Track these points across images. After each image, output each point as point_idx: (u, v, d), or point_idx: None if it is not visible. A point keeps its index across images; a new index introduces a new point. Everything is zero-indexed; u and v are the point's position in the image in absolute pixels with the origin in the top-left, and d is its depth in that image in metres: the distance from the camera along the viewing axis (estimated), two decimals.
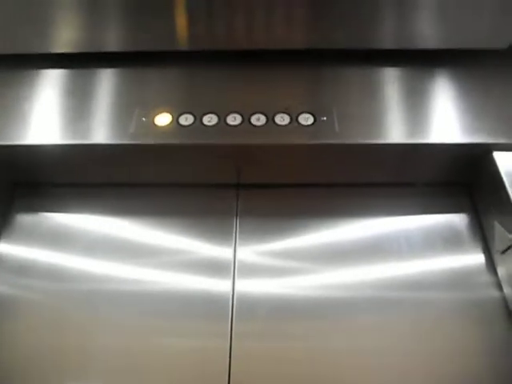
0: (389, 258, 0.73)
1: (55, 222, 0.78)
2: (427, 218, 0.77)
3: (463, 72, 0.76)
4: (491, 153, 0.70)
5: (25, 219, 0.78)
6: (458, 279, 0.71)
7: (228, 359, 0.65)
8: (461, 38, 0.73)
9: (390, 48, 0.74)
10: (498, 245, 0.70)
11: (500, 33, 0.71)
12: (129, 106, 0.74)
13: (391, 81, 0.75)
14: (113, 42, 0.75)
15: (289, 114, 0.72)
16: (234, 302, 0.69)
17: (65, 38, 0.75)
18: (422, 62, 0.76)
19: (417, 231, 0.75)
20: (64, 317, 0.70)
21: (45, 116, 0.74)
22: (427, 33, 0.72)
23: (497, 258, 0.71)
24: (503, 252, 0.69)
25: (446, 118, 0.72)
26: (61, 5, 0.70)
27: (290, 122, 0.71)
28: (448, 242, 0.74)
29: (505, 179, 0.68)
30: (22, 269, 0.74)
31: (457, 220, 0.76)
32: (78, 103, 0.75)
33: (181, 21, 0.72)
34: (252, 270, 0.72)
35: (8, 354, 0.67)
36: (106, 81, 0.77)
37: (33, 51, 0.77)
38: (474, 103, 0.73)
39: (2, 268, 0.74)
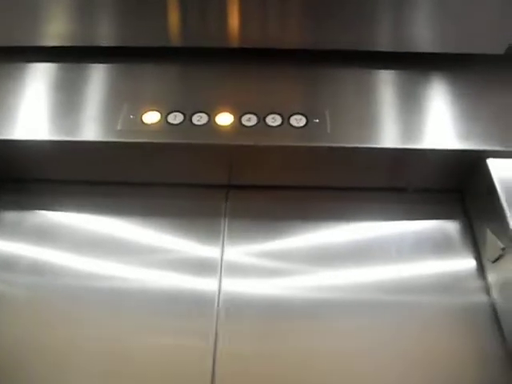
0: (378, 262, 0.72)
1: (41, 219, 0.76)
2: (418, 224, 0.76)
3: (459, 76, 0.74)
4: (485, 159, 0.69)
5: (10, 215, 0.77)
6: (447, 284, 0.70)
7: (212, 359, 0.64)
8: (457, 42, 0.72)
9: (386, 50, 0.73)
10: (489, 253, 0.69)
11: (497, 38, 0.70)
12: (117, 103, 0.72)
13: (386, 84, 0.74)
14: (103, 36, 0.74)
15: (281, 115, 0.71)
16: (220, 302, 0.68)
17: (54, 31, 0.74)
18: (417, 65, 0.75)
19: (407, 236, 0.74)
20: (47, 313, 0.69)
21: (31, 111, 0.72)
22: (423, 36, 0.71)
23: (487, 265, 0.70)
24: (494, 261, 0.68)
25: (439, 124, 0.71)
26: None
27: (281, 123, 0.70)
28: (438, 247, 0.73)
29: (497, 186, 0.67)
30: (7, 264, 0.72)
31: (448, 226, 0.75)
32: (65, 98, 0.73)
33: (174, 16, 0.70)
34: (239, 270, 0.71)
35: None
36: (94, 76, 0.75)
37: (20, 44, 0.75)
38: (469, 108, 0.72)
39: None
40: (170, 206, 0.77)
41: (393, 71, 0.75)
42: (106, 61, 0.76)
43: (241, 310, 0.68)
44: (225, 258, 0.72)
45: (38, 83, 0.75)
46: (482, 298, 0.69)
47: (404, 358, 0.65)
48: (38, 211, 0.77)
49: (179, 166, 0.75)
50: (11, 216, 0.77)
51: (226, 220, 0.75)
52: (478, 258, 0.72)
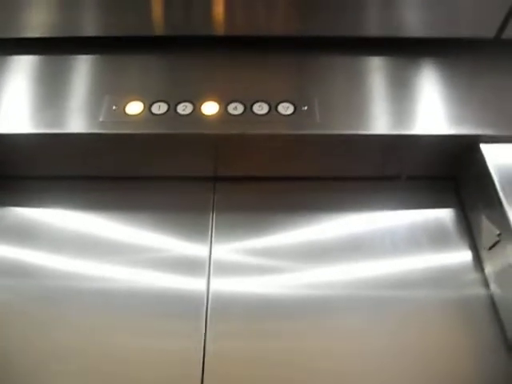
0: (372, 255, 0.70)
1: (21, 216, 0.74)
2: (412, 214, 0.74)
3: (449, 62, 0.74)
4: (478, 145, 0.68)
5: None
6: (444, 277, 0.69)
7: (201, 360, 0.62)
8: (446, 27, 0.71)
9: (376, 36, 0.72)
10: (485, 240, 0.68)
11: (486, 22, 0.69)
12: (99, 94, 0.71)
13: (376, 70, 0.72)
14: (85, 26, 0.72)
15: (268, 103, 0.69)
16: (209, 302, 0.66)
17: (35, 22, 0.72)
18: (407, 50, 0.74)
19: (401, 227, 0.73)
20: (27, 314, 0.66)
21: (11, 104, 0.70)
22: (413, 21, 0.70)
23: (484, 254, 0.69)
24: (490, 248, 0.66)
25: (431, 109, 0.69)
26: None
27: (268, 111, 0.69)
28: (433, 238, 0.72)
29: (492, 172, 0.65)
30: None
31: (443, 215, 0.74)
32: (46, 90, 0.72)
33: (157, 5, 0.69)
34: (228, 269, 0.69)
35: None
36: (76, 67, 0.74)
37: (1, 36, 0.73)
38: (461, 94, 0.71)
39: None
40: (156, 200, 0.75)
41: (383, 57, 0.74)
42: (87, 52, 0.74)
43: (230, 309, 0.66)
44: (213, 255, 0.70)
45: (18, 76, 0.73)
46: (479, 290, 0.68)
47: (400, 355, 0.63)
48: (18, 209, 0.75)
49: (164, 158, 0.73)
50: None
51: (214, 214, 0.73)
52: (475, 249, 0.70)
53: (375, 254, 0.70)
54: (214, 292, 0.67)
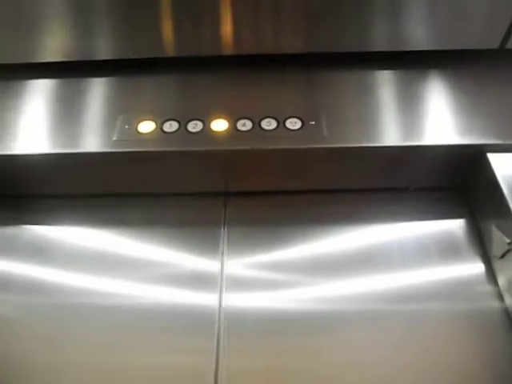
0: (382, 268, 0.70)
1: (35, 235, 0.75)
2: (421, 225, 0.74)
3: (455, 73, 0.74)
4: (485, 154, 0.68)
5: (6, 232, 0.76)
6: (456, 290, 0.68)
7: (214, 377, 0.61)
8: (451, 39, 0.72)
9: (381, 50, 0.73)
10: (496, 249, 0.67)
11: (490, 33, 0.70)
12: (113, 114, 0.73)
13: (383, 83, 0.74)
14: (99, 50, 0.75)
15: (276, 119, 0.70)
16: (221, 317, 0.66)
17: (51, 47, 0.75)
18: (413, 63, 0.75)
19: (411, 239, 0.72)
20: (40, 332, 0.67)
21: (28, 125, 0.73)
22: (418, 34, 0.71)
23: (496, 264, 0.68)
24: (501, 257, 0.66)
25: (438, 120, 0.70)
26: (46, 14, 0.70)
27: (276, 127, 0.70)
28: (443, 249, 0.71)
29: (500, 181, 0.65)
30: (1, 282, 0.71)
31: (453, 226, 0.74)
32: (62, 112, 0.74)
33: (167, 27, 0.71)
34: (240, 284, 0.69)
35: None
36: (90, 89, 0.76)
37: (17, 61, 0.76)
38: (467, 104, 0.71)
39: None
40: (167, 216, 0.76)
41: (389, 71, 0.75)
42: (101, 74, 0.77)
43: (243, 325, 0.66)
44: (225, 270, 0.70)
45: (35, 98, 0.76)
46: (493, 303, 0.67)
47: (413, 371, 0.62)
48: (31, 227, 0.76)
49: (175, 175, 0.74)
50: (4, 233, 0.76)
51: (225, 229, 0.74)
52: (487, 260, 0.70)
53: (386, 267, 0.70)
54: (226, 307, 0.67)
